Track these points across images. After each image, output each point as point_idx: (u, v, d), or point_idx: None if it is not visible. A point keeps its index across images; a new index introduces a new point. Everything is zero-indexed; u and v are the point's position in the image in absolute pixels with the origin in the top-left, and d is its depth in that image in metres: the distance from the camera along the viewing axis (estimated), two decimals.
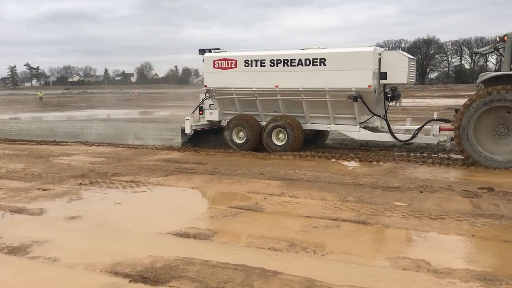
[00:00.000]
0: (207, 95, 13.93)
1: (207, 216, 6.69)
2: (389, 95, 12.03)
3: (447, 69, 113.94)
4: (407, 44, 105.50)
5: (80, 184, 8.90)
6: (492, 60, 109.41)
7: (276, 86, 12.62)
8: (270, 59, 12.69)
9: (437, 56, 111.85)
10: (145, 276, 4.57)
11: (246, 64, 13.00)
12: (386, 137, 12.25)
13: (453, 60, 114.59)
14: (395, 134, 12.04)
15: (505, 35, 10.71)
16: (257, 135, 12.89)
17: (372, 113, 12.09)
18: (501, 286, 4.25)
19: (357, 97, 11.65)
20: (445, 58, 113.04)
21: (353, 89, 11.68)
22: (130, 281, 4.49)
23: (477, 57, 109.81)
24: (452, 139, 11.31)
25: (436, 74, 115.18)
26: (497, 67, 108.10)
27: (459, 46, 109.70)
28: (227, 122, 13.49)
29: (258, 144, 12.94)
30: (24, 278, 4.69)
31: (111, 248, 5.40)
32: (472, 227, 5.98)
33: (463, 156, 10.59)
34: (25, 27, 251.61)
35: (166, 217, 6.72)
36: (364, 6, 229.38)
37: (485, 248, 5.29)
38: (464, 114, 10.33)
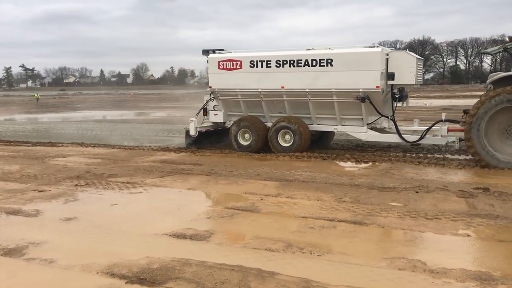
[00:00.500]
0: (212, 96, 13.81)
1: (204, 217, 6.69)
2: (396, 96, 11.90)
3: (442, 69, 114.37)
4: (403, 45, 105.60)
5: (76, 185, 8.88)
6: (487, 61, 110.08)
7: (282, 87, 12.50)
8: (276, 60, 12.56)
9: (432, 56, 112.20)
10: (141, 277, 4.57)
11: (252, 65, 12.89)
12: (393, 138, 12.14)
13: (449, 60, 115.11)
14: (402, 135, 11.94)
15: None
16: (262, 136, 12.75)
17: (380, 114, 11.99)
18: (497, 286, 4.27)
19: (364, 98, 11.54)
20: (441, 58, 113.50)
21: (360, 90, 11.57)
22: (126, 282, 4.49)
23: (472, 57, 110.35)
24: (460, 139, 11.25)
25: (431, 74, 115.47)
26: (492, 68, 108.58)
27: (454, 47, 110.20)
28: (232, 123, 13.36)
29: (264, 145, 12.81)
30: (20, 279, 4.68)
31: (108, 249, 5.39)
32: (468, 227, 6.00)
33: (467, 144, 10.44)
34: (21, 28, 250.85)
35: (163, 218, 6.71)
36: (359, 7, 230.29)
37: (480, 248, 5.32)
38: (484, 104, 10.12)
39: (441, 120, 11.82)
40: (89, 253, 5.29)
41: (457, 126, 11.63)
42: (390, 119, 12.18)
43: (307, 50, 12.58)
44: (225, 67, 13.26)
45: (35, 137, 18.42)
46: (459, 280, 4.39)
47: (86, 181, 9.19)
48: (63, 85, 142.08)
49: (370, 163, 11.01)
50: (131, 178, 9.42)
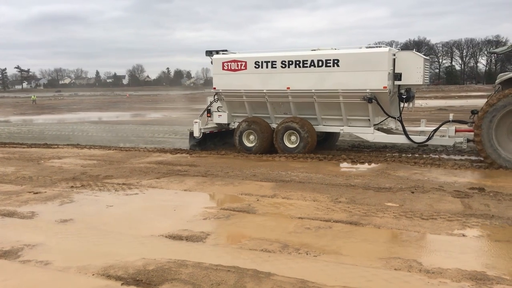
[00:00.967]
0: (216, 97, 13.73)
1: (200, 218, 6.69)
2: (403, 96, 11.81)
3: (438, 70, 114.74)
4: (398, 46, 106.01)
5: (72, 187, 8.86)
6: (482, 61, 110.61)
7: (288, 88, 12.40)
8: (281, 61, 12.46)
9: (427, 57, 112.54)
10: (137, 278, 4.56)
11: (257, 66, 12.80)
12: (401, 139, 12.05)
13: (444, 61, 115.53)
14: (410, 136, 11.85)
15: None
16: (268, 137, 12.67)
17: (387, 114, 11.88)
18: (492, 286, 4.29)
19: (371, 98, 11.47)
20: (436, 59, 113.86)
21: (367, 90, 11.49)
22: (122, 284, 4.48)
23: (467, 58, 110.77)
24: (468, 140, 11.21)
25: None
26: (487, 68, 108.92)
27: (450, 48, 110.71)
28: (237, 125, 13.27)
29: (270, 147, 12.72)
30: (16, 282, 4.66)
31: (103, 251, 5.38)
32: (463, 227, 6.02)
33: (476, 145, 10.40)
34: (16, 29, 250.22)
35: (159, 219, 6.70)
36: (354, 8, 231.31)
37: (476, 248, 5.33)
38: (501, 100, 10.06)
39: (449, 121, 11.71)
40: (84, 254, 5.28)
41: (465, 126, 11.54)
42: (397, 119, 12.07)
43: (312, 50, 12.48)
44: (229, 68, 13.16)
45: (30, 138, 18.36)
46: (454, 280, 4.41)
47: (81, 183, 9.16)
48: (58, 87, 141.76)
49: (366, 164, 11.03)
50: (127, 180, 9.40)
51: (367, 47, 12.27)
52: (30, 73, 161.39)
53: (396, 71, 11.52)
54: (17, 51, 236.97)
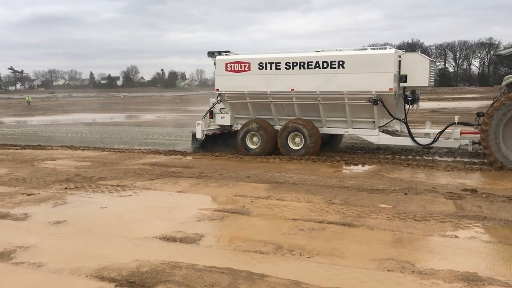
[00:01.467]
0: (219, 99, 13.63)
1: (194, 219, 6.69)
2: (409, 98, 11.78)
3: None
4: (392, 48, 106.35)
5: (66, 188, 8.83)
6: (476, 63, 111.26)
7: (292, 90, 12.36)
8: (285, 62, 12.40)
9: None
10: (131, 280, 4.56)
11: (260, 67, 12.74)
12: (406, 141, 12.05)
13: (437, 63, 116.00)
14: (415, 138, 11.83)
15: None
16: (271, 139, 12.62)
17: (392, 116, 11.83)
18: (484, 286, 4.32)
19: (377, 100, 11.45)
20: None
21: (373, 92, 11.46)
22: (116, 285, 4.47)
23: (460, 60, 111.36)
24: (474, 142, 11.21)
25: None
26: (480, 70, 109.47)
27: (443, 50, 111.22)
28: (240, 127, 13.17)
29: (274, 149, 12.65)
30: (8, 284, 4.64)
31: (97, 253, 5.37)
32: (456, 229, 6.06)
33: (483, 147, 10.41)
34: (9, 30, 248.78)
35: (152, 221, 6.70)
36: (348, 10, 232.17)
37: (468, 249, 5.36)
38: (506, 103, 10.06)
39: (454, 123, 11.66)
40: (78, 256, 5.27)
41: (471, 129, 11.53)
42: (403, 122, 12.01)
43: (316, 52, 12.43)
44: (233, 69, 13.09)
45: (24, 140, 18.29)
46: (447, 281, 4.44)
47: (75, 184, 9.14)
48: (52, 88, 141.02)
49: (360, 165, 11.08)
50: (121, 181, 9.38)
51: (372, 49, 12.24)
52: (23, 74, 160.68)
53: (401, 73, 11.48)
54: (11, 52, 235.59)
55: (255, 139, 12.88)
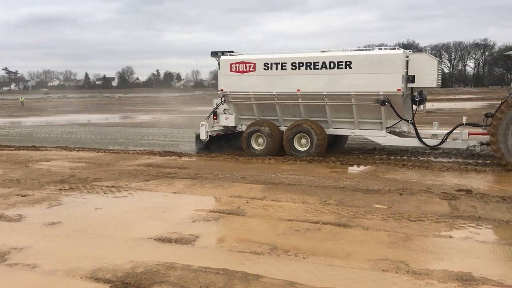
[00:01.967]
0: (223, 99, 13.50)
1: (189, 220, 6.68)
2: (417, 99, 11.68)
3: None
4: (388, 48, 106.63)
5: (60, 189, 8.80)
6: (471, 64, 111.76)
7: (298, 90, 12.23)
8: (291, 62, 12.27)
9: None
10: (126, 281, 4.55)
11: (266, 68, 12.61)
12: (413, 142, 11.93)
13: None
14: (423, 139, 11.74)
15: None
16: (277, 141, 12.51)
17: (400, 117, 11.72)
18: (478, 286, 4.34)
19: (385, 101, 11.34)
20: None
21: (381, 93, 11.35)
22: (111, 286, 4.46)
23: (456, 61, 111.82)
24: (482, 143, 11.19)
25: None
26: (475, 71, 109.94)
27: (438, 51, 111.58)
28: (245, 128, 13.06)
29: (279, 150, 12.54)
30: (3, 285, 4.62)
31: (92, 254, 5.35)
32: (450, 229, 6.09)
33: (492, 147, 10.41)
34: (4, 30, 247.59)
35: (147, 222, 6.69)
36: (343, 12, 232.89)
37: (462, 249, 5.39)
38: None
39: (462, 124, 11.57)
40: (73, 257, 5.25)
41: (479, 130, 11.48)
42: (410, 122, 11.92)
43: (322, 52, 12.32)
44: (237, 70, 12.96)
45: (18, 141, 18.21)
46: (441, 281, 4.46)
47: (70, 185, 9.11)
48: (47, 88, 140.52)
49: (355, 166, 11.10)
50: (116, 182, 9.36)
51: (380, 49, 12.18)
52: (18, 74, 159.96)
53: (409, 73, 11.39)
54: (5, 53, 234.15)
55: (260, 140, 12.78)
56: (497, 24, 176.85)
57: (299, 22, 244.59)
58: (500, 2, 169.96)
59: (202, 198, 8.17)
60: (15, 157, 13.12)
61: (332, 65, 11.85)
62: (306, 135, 12.17)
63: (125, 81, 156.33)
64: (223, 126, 13.81)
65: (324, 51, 12.32)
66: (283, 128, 12.80)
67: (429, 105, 34.73)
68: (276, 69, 12.49)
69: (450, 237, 5.79)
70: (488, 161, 11.37)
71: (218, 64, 13.41)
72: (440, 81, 11.89)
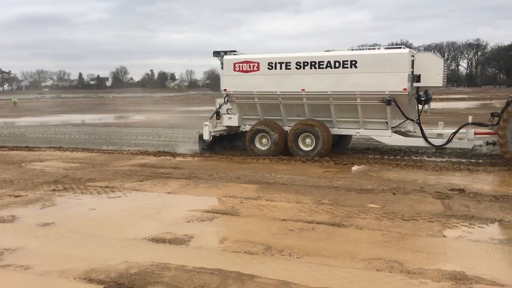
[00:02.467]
0: (226, 99, 13.41)
1: (183, 221, 6.67)
2: (422, 98, 11.62)
3: None
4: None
5: (54, 190, 8.76)
6: (463, 64, 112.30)
7: (303, 90, 12.15)
8: (296, 62, 12.18)
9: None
10: (120, 282, 4.54)
11: (270, 67, 12.53)
12: (419, 142, 11.88)
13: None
14: (428, 139, 11.70)
15: None
16: (281, 140, 12.44)
17: (406, 117, 11.64)
18: (471, 285, 4.36)
19: (390, 100, 11.26)
20: None
21: (386, 92, 11.27)
22: (104, 287, 4.45)
23: (449, 61, 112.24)
24: (488, 143, 11.19)
25: None
26: (468, 71, 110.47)
27: (431, 51, 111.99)
28: (249, 128, 13.01)
29: (283, 150, 12.47)
30: None
31: (85, 255, 5.34)
32: (444, 228, 6.12)
33: (500, 147, 10.45)
34: None
35: (142, 222, 6.67)
36: (336, 12, 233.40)
37: (455, 248, 5.42)
38: None
39: (468, 124, 11.53)
40: (66, 258, 5.23)
41: (485, 129, 11.46)
42: (416, 122, 11.86)
43: (326, 51, 12.26)
44: (241, 69, 12.88)
45: (11, 141, 18.12)
46: (435, 280, 4.48)
47: (64, 186, 9.07)
48: (40, 89, 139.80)
49: (349, 165, 11.12)
50: (110, 183, 9.33)
51: (385, 48, 12.16)
52: (11, 74, 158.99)
53: (414, 73, 11.34)
54: None
55: (264, 140, 12.72)
56: (489, 24, 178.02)
57: (292, 22, 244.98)
58: (493, 2, 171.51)
59: (197, 198, 8.16)
60: (8, 158, 13.04)
61: (337, 64, 11.78)
62: (311, 135, 12.11)
63: (119, 81, 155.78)
64: (226, 126, 13.74)
65: (329, 50, 12.25)
66: (287, 128, 12.74)
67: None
68: (281, 68, 12.42)
69: (444, 236, 5.82)
70: (481, 161, 11.45)
71: (221, 63, 13.33)
72: (445, 80, 11.82)
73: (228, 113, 13.60)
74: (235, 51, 13.44)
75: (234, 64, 12.96)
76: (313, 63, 12.03)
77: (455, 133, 11.57)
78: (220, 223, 6.55)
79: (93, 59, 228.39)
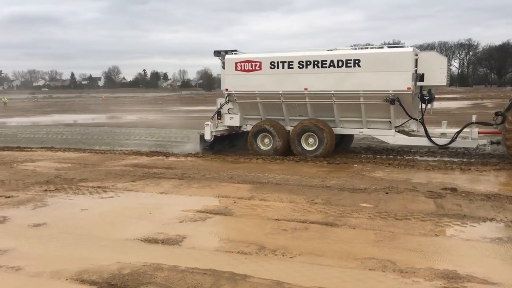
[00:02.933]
0: (227, 99, 13.32)
1: (176, 221, 6.65)
2: (426, 98, 11.54)
3: None
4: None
5: (46, 190, 8.70)
6: (455, 64, 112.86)
7: (305, 89, 12.07)
8: (298, 61, 12.10)
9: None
10: (112, 283, 4.51)
11: (272, 66, 12.43)
12: (423, 141, 11.82)
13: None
14: (432, 138, 11.65)
15: None
16: (284, 140, 12.37)
17: (409, 116, 11.63)
18: (463, 284, 4.38)
19: (394, 99, 11.19)
20: None
21: (390, 92, 11.20)
22: None
23: None
24: (492, 142, 11.17)
25: None
26: (459, 71, 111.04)
27: (423, 50, 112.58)
28: (251, 128, 12.92)
29: (286, 150, 12.41)
30: None
31: (78, 255, 5.30)
32: (436, 227, 6.14)
33: (508, 124, 10.42)
34: None
35: (134, 222, 6.64)
36: (329, 12, 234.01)
37: (448, 247, 5.44)
38: None
39: (472, 123, 11.50)
40: (58, 259, 5.19)
41: (489, 128, 11.42)
42: (419, 121, 11.86)
43: (328, 50, 12.18)
44: (243, 69, 12.77)
45: (2, 141, 17.97)
46: (427, 279, 4.49)
47: (55, 186, 9.01)
48: (32, 88, 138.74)
49: (342, 165, 11.14)
50: (102, 183, 9.28)
51: (389, 47, 12.14)
52: (2, 74, 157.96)
53: (418, 72, 11.31)
54: None
55: (266, 140, 12.65)
56: (480, 25, 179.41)
57: (285, 22, 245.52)
58: (484, 3, 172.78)
59: (189, 198, 8.14)
60: None
61: (340, 63, 11.70)
62: (314, 134, 12.04)
63: (112, 81, 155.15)
64: (228, 126, 13.63)
65: (331, 49, 12.18)
66: (289, 128, 12.66)
67: None
68: (283, 67, 12.33)
69: (436, 235, 5.84)
70: (473, 160, 11.51)
71: (222, 63, 13.25)
72: (449, 79, 11.79)
73: (230, 113, 13.49)
74: (236, 50, 13.36)
75: (236, 63, 12.87)
76: (316, 62, 11.96)
77: (459, 132, 11.54)
78: (213, 223, 6.53)
79: (86, 59, 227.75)
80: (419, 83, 11.44)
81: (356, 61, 11.55)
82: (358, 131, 12.28)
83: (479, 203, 7.35)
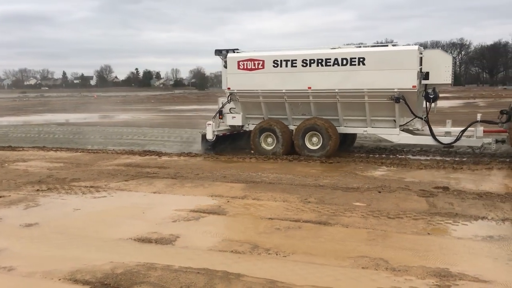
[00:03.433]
0: (230, 98, 13.18)
1: (169, 220, 6.64)
2: (431, 96, 11.44)
3: None
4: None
5: (38, 190, 8.65)
6: None
7: (309, 88, 11.96)
8: (302, 59, 11.97)
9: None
10: (105, 283, 4.50)
11: (275, 65, 12.29)
12: (427, 140, 11.75)
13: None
14: (437, 137, 11.56)
15: None
16: (287, 140, 12.24)
17: (414, 115, 11.54)
18: (455, 282, 4.42)
19: (399, 98, 11.11)
20: None
21: (395, 90, 11.13)
22: None
23: None
24: (497, 141, 11.17)
25: None
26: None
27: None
28: (254, 127, 12.78)
29: (289, 149, 12.28)
30: None
31: (70, 255, 5.28)
32: (428, 225, 6.18)
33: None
34: None
35: (127, 222, 6.63)
36: (322, 12, 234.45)
37: (440, 245, 5.47)
38: None
39: (477, 121, 11.46)
40: (50, 259, 5.17)
41: (495, 127, 11.38)
42: (424, 120, 11.77)
43: (332, 48, 12.09)
44: (245, 67, 12.62)
45: None
46: (419, 277, 4.52)
47: (48, 186, 8.96)
48: (23, 88, 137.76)
49: (335, 164, 11.17)
50: (95, 182, 9.25)
51: (393, 45, 12.13)
52: None
53: (423, 70, 11.25)
54: None
55: (269, 139, 12.53)
56: (472, 24, 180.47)
57: (278, 22, 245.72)
58: (475, 2, 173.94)
59: (183, 197, 8.13)
60: None
61: (344, 61, 11.60)
62: (318, 133, 11.93)
63: (104, 80, 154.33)
64: (230, 126, 13.50)
65: (334, 48, 12.12)
66: (292, 127, 12.55)
67: None
68: (286, 66, 12.20)
69: (428, 233, 5.88)
70: (465, 159, 11.58)
71: (224, 62, 13.15)
72: (453, 78, 11.73)
73: (231, 112, 13.35)
74: (237, 49, 13.24)
75: (238, 62, 12.74)
76: (319, 61, 11.85)
77: (463, 131, 11.51)
78: (206, 223, 6.53)
79: (78, 58, 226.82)
80: (424, 82, 11.38)
81: (361, 60, 11.46)
82: (362, 130, 12.19)
83: (470, 201, 7.40)
